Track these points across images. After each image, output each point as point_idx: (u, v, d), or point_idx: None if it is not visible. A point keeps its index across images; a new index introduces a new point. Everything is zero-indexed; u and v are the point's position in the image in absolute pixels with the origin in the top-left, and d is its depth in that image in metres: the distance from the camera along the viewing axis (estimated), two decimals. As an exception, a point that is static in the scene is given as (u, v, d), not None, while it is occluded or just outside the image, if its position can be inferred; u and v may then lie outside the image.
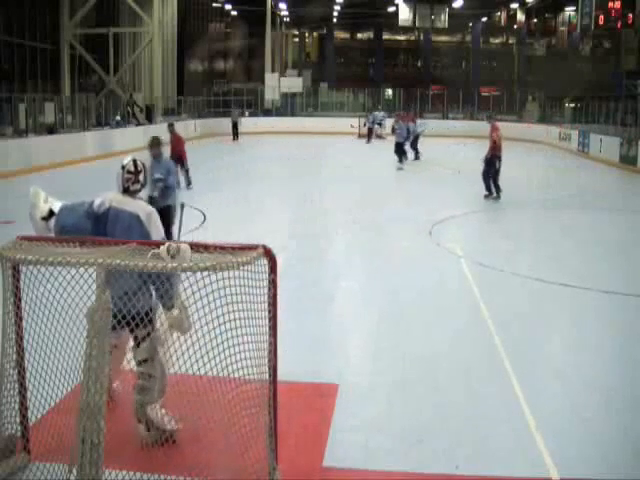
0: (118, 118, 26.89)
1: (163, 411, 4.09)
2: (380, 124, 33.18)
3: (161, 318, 3.90)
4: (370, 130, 31.99)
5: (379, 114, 34.38)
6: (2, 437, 3.82)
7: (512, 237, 11.32)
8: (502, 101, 41.85)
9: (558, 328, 6.89)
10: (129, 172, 4.37)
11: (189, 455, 3.63)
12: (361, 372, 5.62)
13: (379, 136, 32.30)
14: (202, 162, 21.98)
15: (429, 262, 9.28)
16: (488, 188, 14.70)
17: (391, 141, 27.22)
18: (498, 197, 14.65)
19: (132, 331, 3.98)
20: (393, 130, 21.73)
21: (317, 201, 15.02)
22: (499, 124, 15.23)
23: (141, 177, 4.42)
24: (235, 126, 32.63)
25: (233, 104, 38.26)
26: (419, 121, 25.16)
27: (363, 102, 44.19)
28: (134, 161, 4.46)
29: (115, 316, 3.87)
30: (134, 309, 3.77)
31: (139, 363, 4.03)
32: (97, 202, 4.27)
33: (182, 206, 4.34)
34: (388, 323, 6.70)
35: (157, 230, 4.24)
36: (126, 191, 4.35)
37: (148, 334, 3.91)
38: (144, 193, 4.59)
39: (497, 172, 14.72)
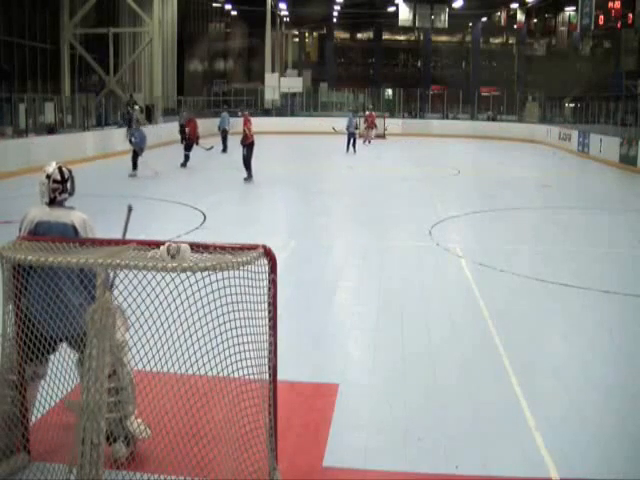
0: (137, 106, 25.22)
1: (140, 420, 3.98)
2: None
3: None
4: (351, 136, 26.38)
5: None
6: (2, 437, 3.81)
7: (512, 237, 11.32)
8: (502, 101, 41.90)
9: (558, 328, 6.89)
10: (55, 181, 4.05)
11: (189, 455, 3.63)
12: (361, 372, 5.62)
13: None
14: (201, 162, 22.01)
15: (429, 262, 9.27)
16: (249, 171, 17.16)
17: (395, 141, 27.19)
18: (250, 179, 17.12)
19: (79, 348, 3.74)
20: (130, 140, 18.20)
21: (317, 201, 15.02)
22: (251, 118, 17.76)
23: (68, 185, 4.10)
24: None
25: (184, 106, 33.78)
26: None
27: (363, 102, 44.22)
28: (60, 169, 4.09)
29: (61, 339, 3.83)
30: (84, 326, 3.51)
31: None
32: (24, 225, 4.03)
33: (130, 209, 4.16)
34: (388, 323, 6.70)
35: (93, 236, 4.07)
36: (52, 202, 4.05)
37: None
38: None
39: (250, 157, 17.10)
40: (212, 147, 23.18)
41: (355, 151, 25.72)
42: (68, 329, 3.72)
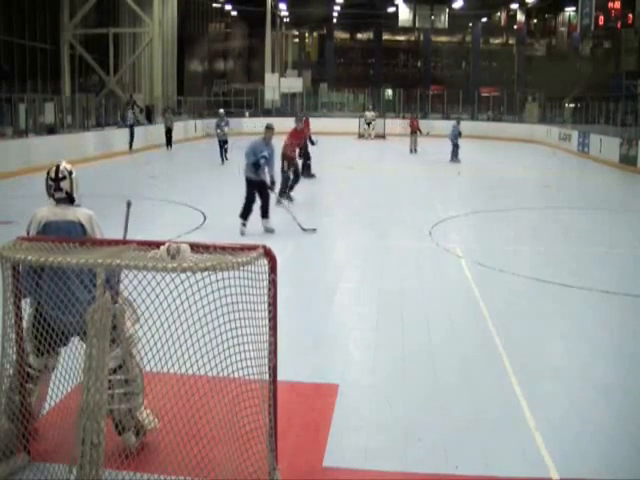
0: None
1: (148, 411, 4.08)
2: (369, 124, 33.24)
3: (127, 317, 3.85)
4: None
5: (369, 114, 34.53)
6: (2, 437, 3.82)
7: (512, 237, 11.32)
8: (502, 101, 41.90)
9: (558, 328, 6.89)
10: (51, 179, 4.12)
11: (189, 455, 3.63)
12: (361, 372, 5.62)
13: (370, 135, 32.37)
14: (202, 161, 22.06)
15: (429, 262, 9.27)
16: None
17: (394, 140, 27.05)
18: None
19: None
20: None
21: (317, 201, 15.02)
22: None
23: (63, 184, 4.12)
24: (169, 132, 26.57)
25: (166, 109, 30.29)
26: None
27: (363, 102, 44.24)
28: (57, 167, 4.15)
29: (72, 334, 3.88)
30: None
31: (112, 372, 3.78)
32: (31, 226, 4.10)
33: (129, 205, 4.19)
34: (388, 323, 6.70)
35: (100, 231, 4.13)
36: (56, 200, 4.14)
37: (113, 341, 3.65)
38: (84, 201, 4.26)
39: None
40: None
41: (458, 160, 23.13)
42: (81, 325, 3.74)
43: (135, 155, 24.29)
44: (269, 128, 10.92)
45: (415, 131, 27.12)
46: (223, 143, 21.65)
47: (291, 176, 13.80)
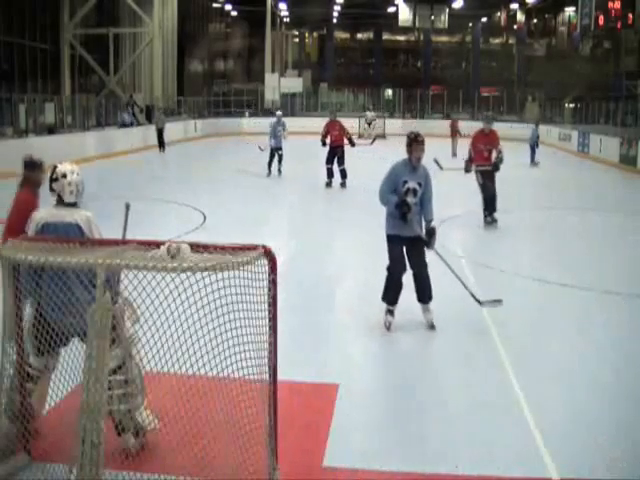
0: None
1: (148, 411, 4.08)
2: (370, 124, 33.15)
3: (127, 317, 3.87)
4: None
5: (370, 114, 34.49)
6: (2, 437, 3.82)
7: (513, 237, 11.31)
8: (502, 101, 41.88)
9: (558, 328, 6.89)
10: (49, 180, 4.16)
11: (189, 455, 3.63)
12: (361, 372, 5.62)
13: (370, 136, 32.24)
14: (202, 161, 22.05)
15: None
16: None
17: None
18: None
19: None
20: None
21: (317, 201, 15.02)
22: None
23: (56, 186, 4.11)
24: (160, 134, 25.46)
25: (157, 110, 29.18)
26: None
27: (363, 102, 44.23)
28: (53, 168, 4.17)
29: (73, 335, 3.88)
30: None
31: (111, 372, 3.74)
32: (30, 227, 4.11)
33: (127, 207, 4.20)
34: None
35: (99, 233, 4.12)
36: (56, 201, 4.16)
37: (113, 341, 3.61)
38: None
39: None
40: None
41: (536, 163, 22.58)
42: (81, 326, 3.74)
43: (135, 154, 24.29)
44: (418, 141, 6.24)
45: (456, 134, 25.02)
46: (276, 150, 18.30)
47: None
